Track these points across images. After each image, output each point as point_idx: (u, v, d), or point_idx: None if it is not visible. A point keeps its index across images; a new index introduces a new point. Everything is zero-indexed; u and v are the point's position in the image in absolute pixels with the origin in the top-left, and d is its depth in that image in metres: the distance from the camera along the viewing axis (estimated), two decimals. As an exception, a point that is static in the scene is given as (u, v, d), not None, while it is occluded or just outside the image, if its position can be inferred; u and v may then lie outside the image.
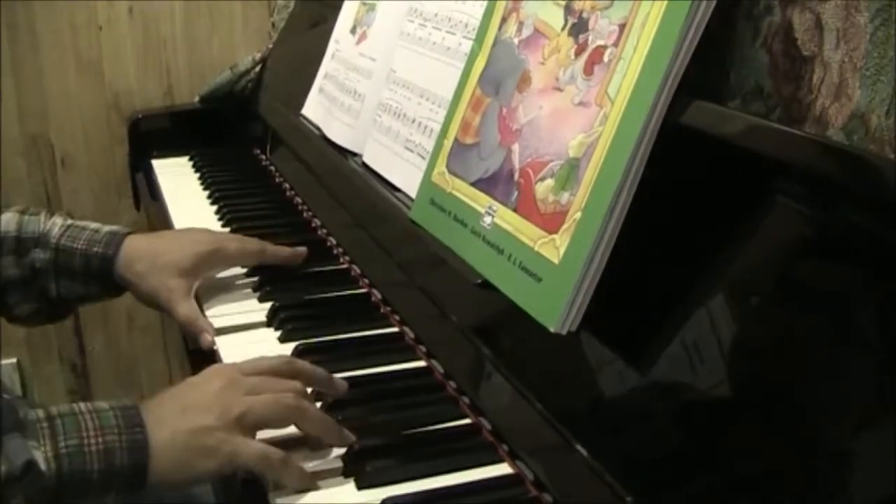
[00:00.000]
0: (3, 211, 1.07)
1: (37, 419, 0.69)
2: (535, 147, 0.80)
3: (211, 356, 0.96)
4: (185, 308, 1.01)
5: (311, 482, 0.74)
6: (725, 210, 0.66)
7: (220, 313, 1.03)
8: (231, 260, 1.10)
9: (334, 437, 0.77)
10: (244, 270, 1.14)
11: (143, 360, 2.09)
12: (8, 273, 1.05)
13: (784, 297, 0.60)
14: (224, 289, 1.09)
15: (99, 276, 1.05)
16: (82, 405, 0.71)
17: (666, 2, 0.69)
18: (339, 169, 1.22)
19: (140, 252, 1.05)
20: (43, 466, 0.66)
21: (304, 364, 0.83)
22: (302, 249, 1.12)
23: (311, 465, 0.76)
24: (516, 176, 0.81)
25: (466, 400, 0.83)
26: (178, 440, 0.71)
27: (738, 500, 0.59)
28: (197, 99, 1.79)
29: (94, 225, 1.08)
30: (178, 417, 0.72)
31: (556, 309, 0.72)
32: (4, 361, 1.95)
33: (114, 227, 1.09)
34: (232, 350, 0.95)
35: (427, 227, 0.94)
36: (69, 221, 1.08)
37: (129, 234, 1.08)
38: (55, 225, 1.07)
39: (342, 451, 0.77)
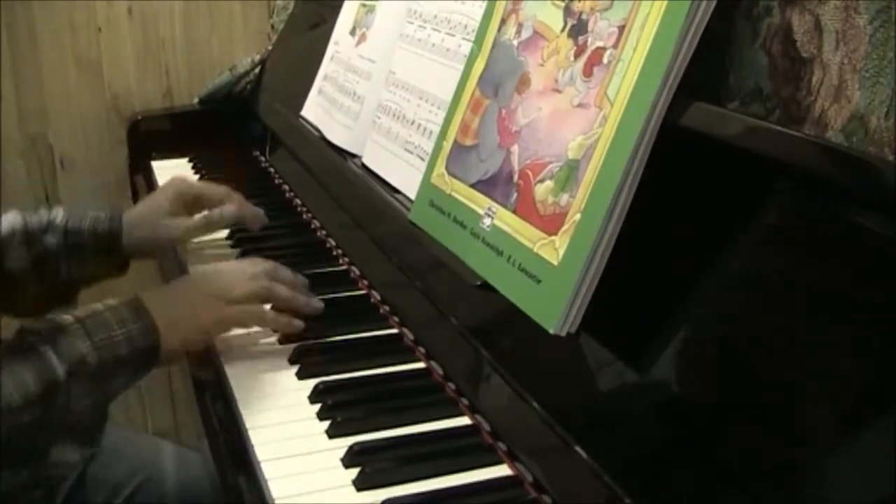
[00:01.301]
0: (1, 213, 1.14)
1: (70, 322, 0.82)
2: (534, 149, 0.80)
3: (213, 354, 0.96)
4: (196, 219, 1.16)
5: (289, 322, 0.94)
6: (725, 211, 0.66)
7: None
8: (196, 186, 1.22)
9: (305, 309, 0.97)
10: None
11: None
12: (19, 264, 1.12)
13: (784, 297, 0.60)
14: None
15: (107, 251, 1.14)
16: (97, 305, 0.86)
17: (665, 3, 0.69)
18: (339, 170, 1.22)
19: (134, 218, 1.16)
20: (89, 358, 0.80)
21: (286, 271, 0.99)
22: (261, 214, 1.21)
23: (311, 464, 0.76)
24: (516, 177, 0.81)
25: (466, 401, 0.83)
26: (179, 319, 0.89)
27: (737, 501, 0.59)
28: (196, 100, 1.79)
29: (91, 211, 1.17)
30: (177, 303, 0.91)
31: (555, 310, 0.72)
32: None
33: (108, 210, 1.18)
34: (232, 352, 0.95)
35: (426, 229, 0.94)
36: (69, 210, 1.17)
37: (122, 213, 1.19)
38: (58, 214, 1.16)
39: (343, 449, 0.77)
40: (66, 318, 0.82)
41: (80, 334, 0.81)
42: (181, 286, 0.97)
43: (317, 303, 0.98)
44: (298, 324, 0.94)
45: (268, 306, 0.95)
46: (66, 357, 0.78)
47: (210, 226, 1.17)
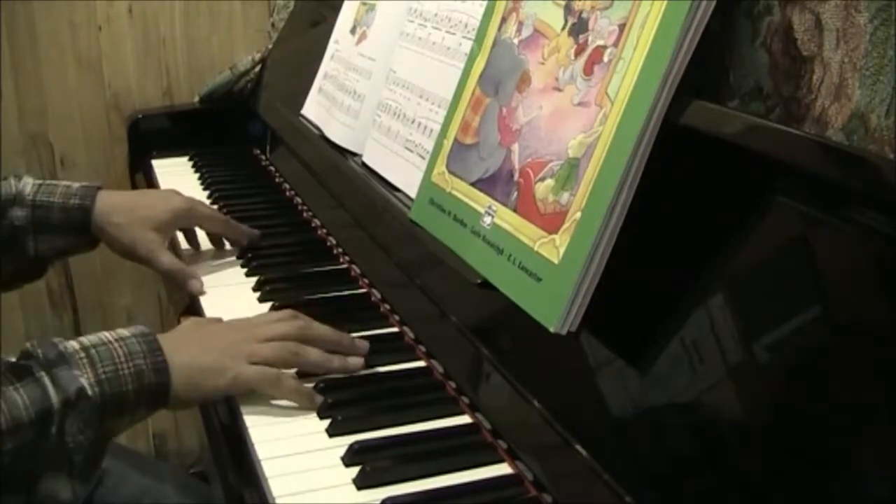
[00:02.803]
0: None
1: (75, 350, 0.77)
2: (534, 147, 0.80)
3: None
4: (168, 258, 1.10)
5: (309, 398, 0.84)
6: (725, 210, 0.66)
7: (219, 313, 1.02)
8: (202, 220, 1.17)
9: (336, 372, 0.87)
10: (245, 269, 1.14)
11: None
12: None
13: (784, 296, 0.60)
14: (224, 287, 1.10)
15: (78, 228, 1.10)
16: (106, 335, 0.80)
17: (666, 2, 0.69)
18: (339, 169, 1.22)
19: (116, 205, 1.11)
20: (89, 392, 0.75)
21: (320, 328, 0.90)
22: (255, 232, 1.20)
23: (311, 463, 0.76)
24: (516, 176, 0.81)
25: (466, 400, 0.83)
26: (193, 364, 0.82)
27: (737, 499, 0.59)
28: (196, 99, 1.79)
29: (64, 182, 1.13)
30: (195, 348, 0.84)
31: (555, 309, 0.72)
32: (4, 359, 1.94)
33: (84, 183, 1.14)
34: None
35: (427, 227, 0.94)
36: (39, 181, 1.12)
37: (100, 187, 1.13)
38: (27, 184, 1.11)
39: (343, 447, 0.77)
40: (73, 344, 0.78)
41: (84, 364, 0.76)
42: (201, 330, 0.89)
43: (355, 362, 0.89)
44: (318, 399, 0.84)
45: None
46: (63, 387, 0.74)
47: (174, 280, 1.10)
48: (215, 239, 1.21)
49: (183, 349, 0.83)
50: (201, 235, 1.22)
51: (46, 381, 0.74)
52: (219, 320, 0.94)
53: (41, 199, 1.09)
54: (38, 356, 0.76)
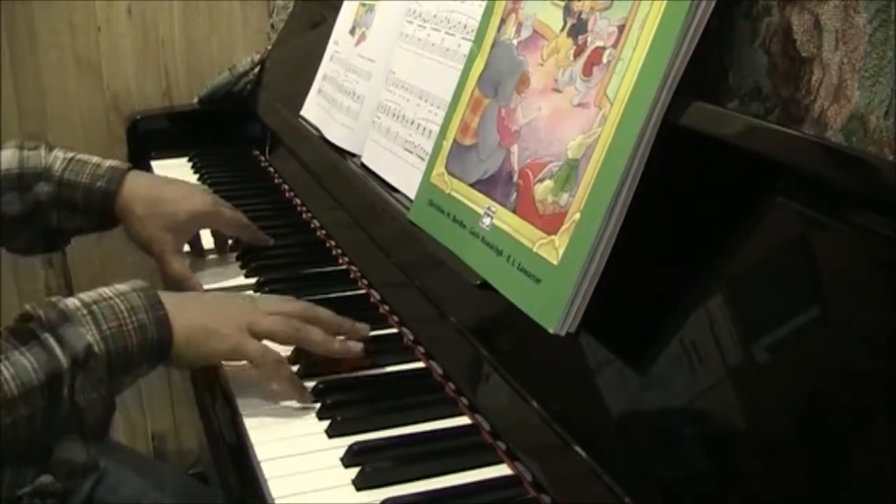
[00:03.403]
0: (1, 147, 1.10)
1: (76, 308, 0.76)
2: (534, 148, 0.80)
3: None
4: (178, 264, 1.09)
5: (301, 390, 0.83)
6: (724, 211, 0.66)
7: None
8: (223, 224, 1.16)
9: (337, 354, 0.86)
10: (245, 270, 1.14)
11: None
12: (10, 209, 1.08)
13: (783, 297, 0.60)
14: (224, 288, 1.10)
15: (99, 210, 1.10)
16: (105, 290, 0.79)
17: (665, 2, 0.69)
18: (339, 170, 1.22)
19: (141, 195, 1.10)
20: (95, 349, 0.74)
21: (323, 311, 0.89)
22: (269, 239, 1.19)
23: (311, 464, 0.76)
24: (515, 177, 0.81)
25: (465, 401, 0.83)
26: (196, 322, 0.82)
27: (737, 499, 0.59)
28: (196, 100, 1.79)
29: (95, 159, 1.12)
30: (200, 309, 0.84)
31: (555, 310, 0.72)
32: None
33: (115, 162, 1.13)
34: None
35: (426, 228, 0.94)
36: (70, 154, 1.12)
37: (130, 169, 1.12)
38: (57, 159, 1.11)
39: (343, 448, 0.77)
40: (73, 301, 0.77)
41: (87, 321, 0.75)
42: (204, 295, 0.91)
43: (356, 346, 0.88)
44: (308, 396, 0.84)
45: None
46: (70, 347, 0.73)
47: (178, 286, 1.08)
48: (220, 239, 1.20)
49: (186, 309, 0.83)
50: (203, 233, 1.21)
51: (52, 342, 0.72)
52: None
53: (68, 178, 1.09)
54: (39, 317, 0.74)
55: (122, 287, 0.80)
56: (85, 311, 0.76)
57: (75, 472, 0.74)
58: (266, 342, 0.86)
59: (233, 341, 0.83)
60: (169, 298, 0.82)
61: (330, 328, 0.88)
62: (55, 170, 1.09)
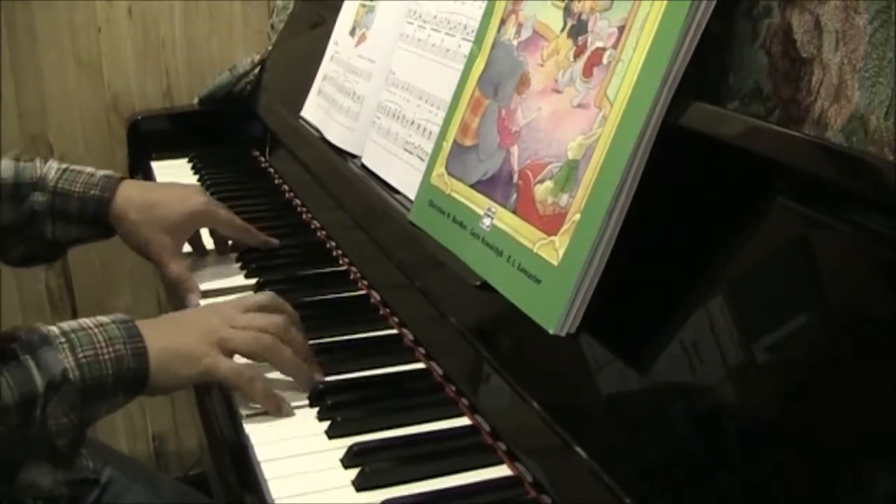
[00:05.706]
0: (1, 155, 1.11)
1: (55, 335, 0.77)
2: (534, 149, 0.80)
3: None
4: (176, 266, 1.09)
5: (276, 404, 0.82)
6: (724, 212, 0.66)
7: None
8: (218, 224, 1.16)
9: (302, 379, 0.86)
10: (244, 270, 1.14)
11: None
12: (5, 219, 1.09)
13: (783, 298, 0.60)
14: (224, 288, 1.10)
15: (93, 219, 1.10)
16: (86, 321, 0.80)
17: (665, 3, 0.69)
18: (339, 170, 1.22)
19: (135, 201, 1.10)
20: (70, 374, 0.75)
21: (286, 304, 0.91)
22: (274, 240, 1.19)
23: (311, 464, 0.76)
24: (515, 178, 0.81)
25: (465, 401, 0.83)
26: (170, 349, 0.82)
27: (736, 502, 0.59)
28: (196, 100, 1.79)
29: (88, 169, 1.13)
30: (171, 333, 0.84)
31: (555, 311, 0.72)
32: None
33: (108, 172, 1.14)
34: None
35: (426, 229, 0.94)
36: (64, 165, 1.13)
37: (123, 178, 1.13)
38: (51, 169, 1.11)
39: (343, 449, 0.77)
40: (53, 329, 0.78)
41: (64, 348, 0.76)
42: (179, 316, 0.90)
43: (319, 378, 0.86)
44: (288, 409, 0.83)
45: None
46: (46, 369, 0.74)
47: (177, 289, 1.09)
48: (219, 240, 1.20)
49: (161, 335, 0.82)
50: (203, 233, 1.21)
51: (31, 363, 0.74)
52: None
53: (62, 187, 1.09)
54: (20, 338, 0.75)
55: (102, 319, 0.81)
56: (63, 339, 0.77)
57: (38, 499, 0.74)
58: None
59: (203, 364, 0.83)
60: (146, 327, 0.82)
61: (300, 352, 0.87)
62: (49, 179, 1.10)
